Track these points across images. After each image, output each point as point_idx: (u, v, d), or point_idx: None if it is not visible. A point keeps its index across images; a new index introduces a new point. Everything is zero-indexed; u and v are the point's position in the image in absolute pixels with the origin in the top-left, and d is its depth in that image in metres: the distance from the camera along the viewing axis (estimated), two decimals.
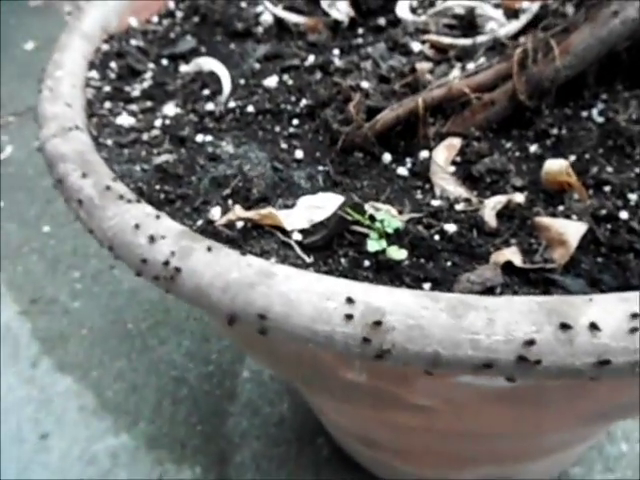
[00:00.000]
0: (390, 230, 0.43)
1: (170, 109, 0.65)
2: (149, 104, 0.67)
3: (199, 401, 1.08)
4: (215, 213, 0.48)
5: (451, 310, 0.35)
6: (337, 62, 0.64)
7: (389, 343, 0.36)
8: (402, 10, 0.72)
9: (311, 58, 0.66)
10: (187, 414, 1.05)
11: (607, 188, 0.45)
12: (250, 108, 0.62)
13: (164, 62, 0.74)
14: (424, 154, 0.53)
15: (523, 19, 0.61)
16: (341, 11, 0.74)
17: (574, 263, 0.40)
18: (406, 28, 0.66)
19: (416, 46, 0.62)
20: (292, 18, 0.75)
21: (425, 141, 0.53)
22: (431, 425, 0.64)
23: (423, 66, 0.59)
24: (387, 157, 0.53)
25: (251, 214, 0.46)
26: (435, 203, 0.47)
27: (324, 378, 0.59)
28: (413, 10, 0.72)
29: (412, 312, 0.36)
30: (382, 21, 0.72)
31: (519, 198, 0.44)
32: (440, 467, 0.89)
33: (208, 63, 0.70)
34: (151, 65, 0.74)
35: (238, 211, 0.47)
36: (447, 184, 0.47)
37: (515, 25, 0.61)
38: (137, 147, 0.60)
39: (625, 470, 0.99)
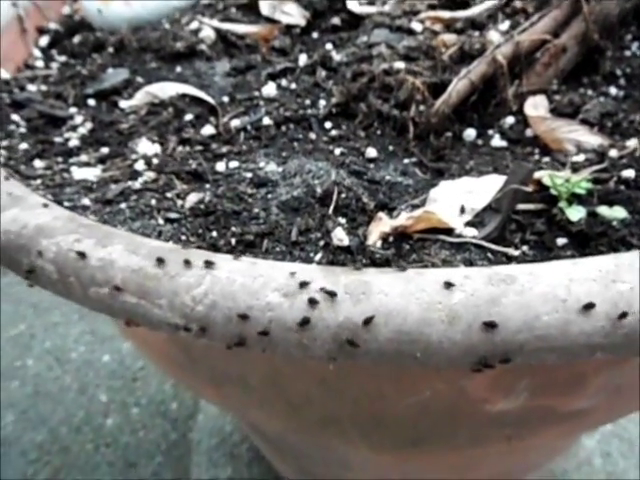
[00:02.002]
0: (581, 191, 0.35)
1: (146, 147, 0.47)
2: (106, 150, 0.49)
3: None
4: (340, 236, 0.34)
5: None
6: (337, 57, 0.54)
7: None
8: (353, 3, 0.66)
9: (303, 58, 0.55)
10: None
11: None
12: (266, 121, 0.48)
13: (91, 102, 0.56)
14: (509, 120, 0.46)
15: None
16: (293, 15, 0.65)
17: None
18: (390, 14, 0.59)
19: (416, 26, 0.56)
20: (239, 29, 0.63)
21: (504, 106, 0.46)
22: (570, 432, 0.55)
23: (449, 38, 0.52)
24: (471, 133, 0.45)
25: (402, 221, 0.33)
26: (579, 158, 0.40)
27: (455, 422, 0.47)
28: (370, 4, 0.66)
29: None
30: (336, 20, 0.65)
31: None
32: None
33: (168, 88, 0.54)
34: (74, 109, 0.55)
35: (388, 221, 0.33)
36: (580, 136, 0.41)
37: None
38: (134, 198, 0.42)
39: None
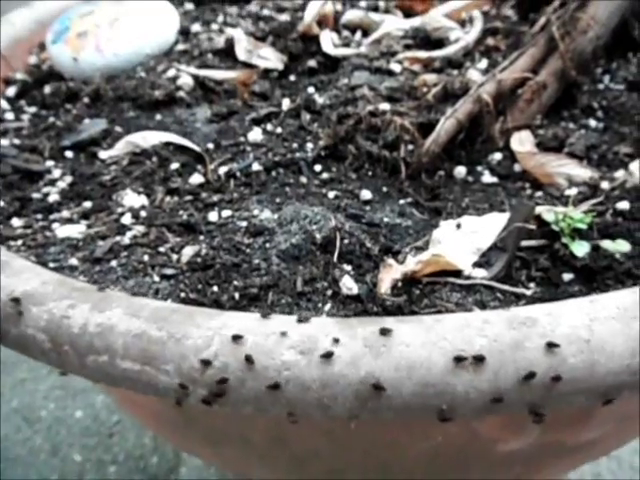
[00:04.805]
0: (583, 226, 0.35)
1: (132, 199, 0.46)
2: (88, 204, 0.47)
3: None
4: (349, 284, 0.33)
5: None
6: (320, 100, 0.55)
7: None
8: (328, 46, 0.66)
9: (286, 102, 0.55)
10: None
11: None
12: (256, 166, 0.47)
13: (69, 155, 0.54)
14: (497, 156, 0.46)
15: (478, 24, 0.61)
16: (270, 59, 0.65)
17: None
18: (367, 55, 0.60)
19: (395, 67, 0.57)
20: (218, 75, 0.63)
21: (491, 143, 0.46)
22: (578, 463, 0.55)
23: (430, 77, 0.53)
24: (461, 170, 0.45)
25: (411, 266, 0.33)
26: (571, 192, 0.41)
27: (466, 464, 0.46)
28: (345, 45, 0.67)
29: None
30: (312, 63, 0.66)
31: None
32: None
33: (150, 137, 0.53)
34: (51, 163, 0.53)
35: (397, 267, 0.33)
36: (570, 169, 0.41)
37: (476, 29, 0.60)
38: (125, 254, 0.40)
39: None
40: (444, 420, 0.28)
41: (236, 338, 0.29)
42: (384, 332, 0.28)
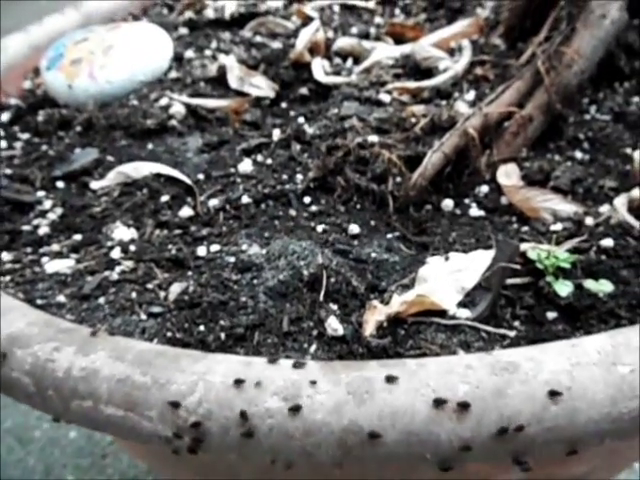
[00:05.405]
0: (566, 265, 0.35)
1: (122, 233, 0.46)
2: (78, 237, 0.47)
3: None
4: (335, 325, 0.33)
5: None
6: (310, 130, 0.55)
7: None
8: (319, 74, 0.67)
9: (276, 132, 0.56)
10: None
11: None
12: (245, 199, 0.47)
13: (60, 185, 0.54)
14: (484, 189, 0.47)
15: (467, 54, 0.62)
16: (262, 87, 0.65)
17: None
18: (357, 85, 0.61)
19: (384, 97, 0.58)
20: (209, 103, 0.63)
21: (478, 176, 0.47)
22: None
23: (418, 109, 0.54)
24: (448, 203, 0.46)
25: (396, 307, 0.33)
26: (557, 227, 0.41)
27: None
28: (336, 73, 0.67)
29: None
30: (304, 90, 0.66)
31: (638, 194, 0.41)
32: None
33: (141, 167, 0.53)
34: (42, 193, 0.53)
35: (382, 308, 0.33)
36: (556, 204, 0.42)
37: (465, 59, 0.61)
38: (113, 291, 0.40)
39: None
40: (445, 470, 0.28)
41: (220, 384, 0.29)
42: (367, 378, 0.28)
